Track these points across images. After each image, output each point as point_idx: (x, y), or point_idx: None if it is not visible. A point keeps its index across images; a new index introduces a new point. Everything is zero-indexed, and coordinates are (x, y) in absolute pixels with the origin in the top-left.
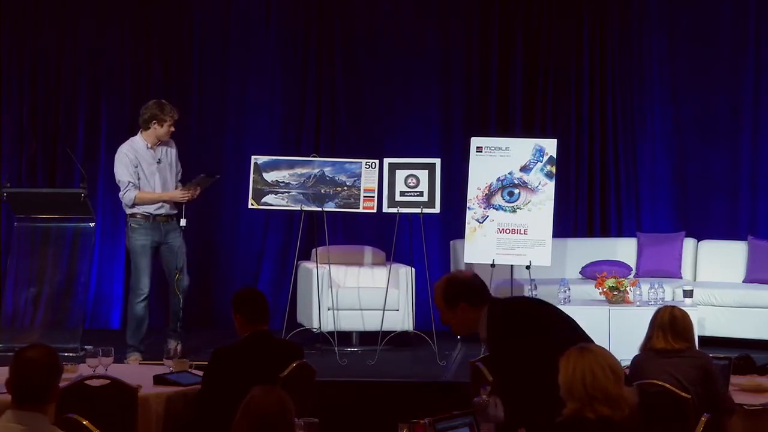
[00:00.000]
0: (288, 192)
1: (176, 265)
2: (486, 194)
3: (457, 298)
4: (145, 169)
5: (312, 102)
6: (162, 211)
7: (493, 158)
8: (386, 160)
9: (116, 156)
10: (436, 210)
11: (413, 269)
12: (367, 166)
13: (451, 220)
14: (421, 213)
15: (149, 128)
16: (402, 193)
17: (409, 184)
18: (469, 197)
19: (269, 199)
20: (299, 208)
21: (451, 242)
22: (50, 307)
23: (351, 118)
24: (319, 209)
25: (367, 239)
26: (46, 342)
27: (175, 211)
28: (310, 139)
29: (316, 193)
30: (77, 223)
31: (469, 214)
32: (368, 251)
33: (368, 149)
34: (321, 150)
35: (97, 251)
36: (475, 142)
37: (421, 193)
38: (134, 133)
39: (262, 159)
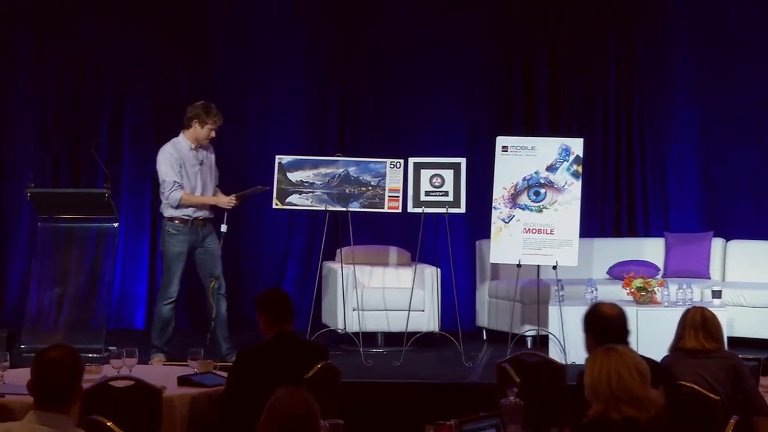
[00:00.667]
0: (312, 192)
1: (212, 273)
2: (512, 194)
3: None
4: (188, 169)
5: (336, 101)
6: (200, 214)
7: (519, 157)
8: (411, 160)
9: (160, 155)
10: (462, 210)
11: (439, 270)
12: (392, 166)
13: (477, 220)
14: (446, 213)
15: (190, 127)
16: (427, 193)
17: (435, 183)
18: (494, 197)
19: (294, 199)
20: (324, 208)
21: (477, 242)
22: (74, 308)
23: (376, 117)
24: (344, 209)
25: (392, 239)
26: (69, 343)
27: (212, 215)
28: (334, 139)
29: (340, 193)
30: (101, 223)
31: (495, 213)
32: (393, 251)
33: (393, 149)
34: (345, 150)
35: (121, 252)
36: (501, 141)
37: (446, 193)
38: (159, 134)
39: (286, 159)
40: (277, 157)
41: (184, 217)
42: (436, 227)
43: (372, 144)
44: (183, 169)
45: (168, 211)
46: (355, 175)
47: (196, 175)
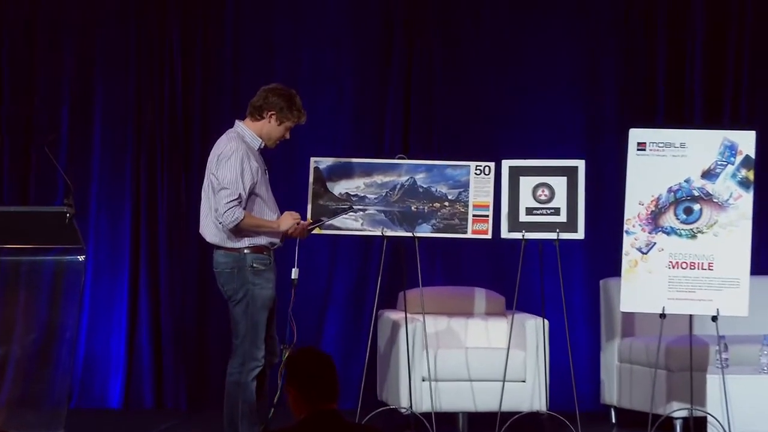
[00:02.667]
0: (364, 209)
1: (272, 332)
2: (652, 212)
3: None
4: (261, 180)
5: (398, 83)
6: (280, 243)
7: (663, 159)
8: (506, 163)
9: (224, 152)
10: (579, 235)
11: (546, 321)
12: (479, 172)
13: (601, 250)
14: (558, 239)
15: (261, 119)
16: (529, 211)
17: (540, 197)
18: (626, 216)
19: (336, 219)
20: (380, 233)
21: (601, 282)
22: (20, 378)
23: (453, 105)
24: (409, 234)
25: (479, 278)
26: (13, 428)
27: None
28: (395, 135)
29: (404, 210)
30: (60, 255)
31: (627, 240)
32: (480, 295)
33: (478, 148)
34: (411, 150)
35: (89, 295)
36: (636, 135)
37: (556, 211)
38: (142, 124)
39: (325, 162)
40: (312, 160)
41: (268, 243)
42: (542, 260)
43: (448, 142)
44: (256, 177)
45: (242, 238)
46: (425, 185)
47: (267, 189)
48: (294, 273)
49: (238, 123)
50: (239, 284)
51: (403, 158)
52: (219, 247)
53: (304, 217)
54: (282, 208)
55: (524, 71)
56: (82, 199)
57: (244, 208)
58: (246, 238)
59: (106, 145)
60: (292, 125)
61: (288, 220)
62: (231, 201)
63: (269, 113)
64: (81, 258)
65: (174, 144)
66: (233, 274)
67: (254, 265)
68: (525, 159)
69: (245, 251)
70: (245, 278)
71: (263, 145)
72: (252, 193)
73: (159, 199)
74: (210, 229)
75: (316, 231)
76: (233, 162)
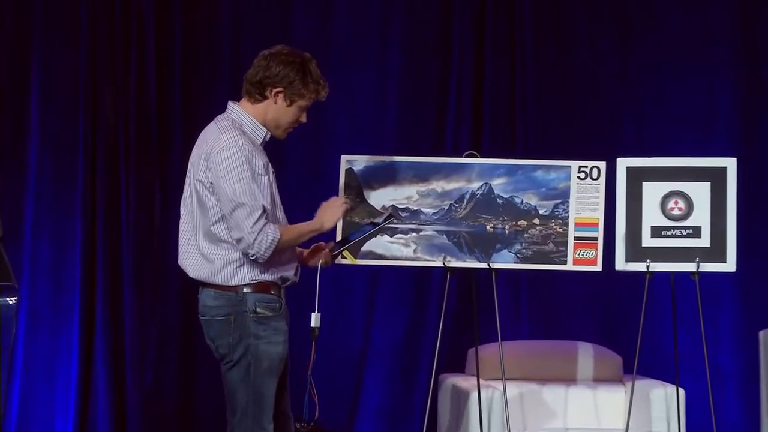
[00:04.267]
0: (418, 228)
1: (285, 395)
2: None
3: None
4: (273, 182)
5: (464, 53)
6: (295, 277)
7: None
8: (623, 163)
9: (223, 155)
10: (730, 266)
11: (681, 390)
12: (583, 175)
13: (761, 287)
14: (698, 272)
15: (264, 98)
16: (657, 231)
17: (672, 211)
18: None
19: (377, 243)
20: (440, 264)
21: (761, 333)
22: None
23: (546, 83)
24: (483, 265)
25: (583, 328)
26: None
27: None
28: (460, 126)
29: (476, 231)
30: None
31: None
32: (586, 353)
33: (582, 143)
34: (484, 146)
35: (22, 352)
36: None
37: (695, 231)
38: (96, 114)
39: (361, 162)
40: (343, 159)
41: (279, 280)
42: (674, 302)
43: (539, 134)
44: (267, 178)
45: (249, 272)
46: (505, 195)
47: (275, 196)
48: (315, 319)
49: (232, 106)
50: (237, 338)
51: (474, 156)
52: (207, 285)
53: (331, 237)
54: (303, 216)
55: (651, 44)
56: (12, 217)
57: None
58: (246, 271)
59: (47, 145)
60: (308, 104)
61: (332, 210)
62: (256, 221)
63: (274, 90)
64: (11, 301)
65: (144, 143)
66: (228, 323)
67: (258, 309)
68: (649, 157)
69: (245, 290)
70: (245, 329)
71: (269, 135)
72: None
73: (123, 218)
74: (194, 259)
75: (347, 260)
76: (237, 163)
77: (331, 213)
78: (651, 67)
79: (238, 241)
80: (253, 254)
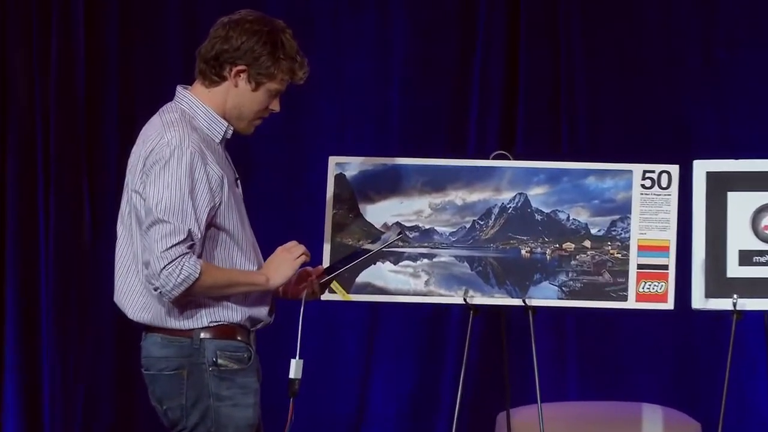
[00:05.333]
0: (431, 254)
1: None
2: None
3: None
4: (234, 193)
5: (496, 33)
6: (269, 317)
7: None
8: (701, 166)
9: (158, 150)
10: None
11: None
12: (649, 183)
13: None
14: None
15: (222, 80)
16: (747, 257)
17: (767, 231)
18: None
19: (376, 273)
20: (461, 300)
21: None
22: None
23: (599, 67)
24: (518, 302)
25: (650, 385)
26: None
27: None
28: (486, 120)
29: (507, 257)
30: None
31: None
32: (653, 417)
33: (645, 144)
34: (517, 146)
35: None
36: None
37: None
38: (8, 121)
39: (355, 166)
40: (331, 161)
41: (245, 322)
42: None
43: (590, 131)
44: (218, 195)
45: (197, 310)
46: (546, 209)
47: (240, 214)
48: (294, 369)
49: (182, 92)
50: (192, 399)
51: (505, 158)
52: (152, 329)
53: (314, 263)
54: (271, 247)
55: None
56: None
57: (200, 255)
58: (203, 311)
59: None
60: (280, 88)
61: (284, 264)
62: (173, 246)
63: (235, 69)
64: None
65: (69, 145)
66: (180, 379)
67: (219, 361)
68: (732, 159)
69: (202, 335)
70: (203, 388)
71: (231, 131)
72: (212, 225)
73: (41, 238)
74: (135, 296)
75: (337, 295)
76: (175, 169)
77: (281, 266)
78: (740, 44)
79: (146, 265)
80: (157, 288)
